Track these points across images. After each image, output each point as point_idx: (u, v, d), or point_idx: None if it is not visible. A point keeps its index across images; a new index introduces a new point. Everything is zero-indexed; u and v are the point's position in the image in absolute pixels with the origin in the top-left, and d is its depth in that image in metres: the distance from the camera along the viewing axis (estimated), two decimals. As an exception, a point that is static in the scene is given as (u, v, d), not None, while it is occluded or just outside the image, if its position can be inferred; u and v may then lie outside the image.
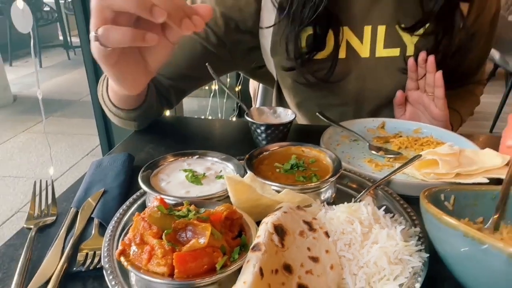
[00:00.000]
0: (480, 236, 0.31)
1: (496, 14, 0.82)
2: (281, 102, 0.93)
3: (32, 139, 3.09)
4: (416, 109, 0.78)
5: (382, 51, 0.77)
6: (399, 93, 0.79)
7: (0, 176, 2.54)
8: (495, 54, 2.95)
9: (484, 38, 0.84)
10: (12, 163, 2.72)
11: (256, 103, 1.25)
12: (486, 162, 0.55)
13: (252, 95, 1.33)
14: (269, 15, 0.74)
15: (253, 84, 1.27)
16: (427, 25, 0.73)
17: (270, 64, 0.83)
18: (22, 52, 5.18)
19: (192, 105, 3.06)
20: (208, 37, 0.75)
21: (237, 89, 2.80)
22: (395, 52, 0.77)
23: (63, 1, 5.37)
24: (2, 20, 4.79)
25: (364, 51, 0.77)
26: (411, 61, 0.73)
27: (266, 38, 0.77)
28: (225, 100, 2.76)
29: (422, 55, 0.71)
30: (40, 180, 0.53)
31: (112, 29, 0.41)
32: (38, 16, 5.03)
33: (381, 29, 0.75)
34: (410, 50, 0.76)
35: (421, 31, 0.74)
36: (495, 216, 0.42)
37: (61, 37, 5.90)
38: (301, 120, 0.90)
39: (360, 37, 0.76)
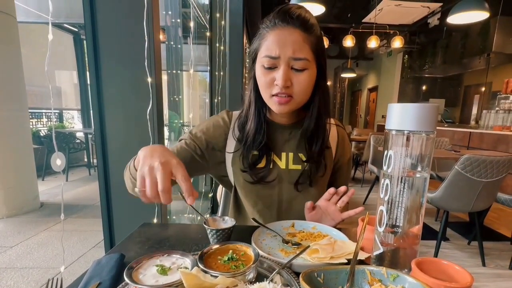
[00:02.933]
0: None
1: (350, 158, 1.02)
2: (236, 198, 0.98)
3: (50, 236, 2.80)
4: (322, 212, 0.86)
5: (292, 166, 0.92)
6: (309, 203, 0.86)
7: (17, 268, 2.21)
8: (374, 169, 3.28)
9: (345, 170, 1.02)
10: (29, 257, 2.40)
11: (220, 204, 1.30)
12: (348, 249, 0.61)
13: (218, 198, 1.40)
14: (231, 142, 0.91)
15: (219, 192, 1.35)
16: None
17: (230, 172, 0.94)
18: (53, 170, 5.02)
19: (178, 206, 3.00)
20: (195, 150, 0.88)
21: (210, 195, 2.86)
22: (299, 167, 0.92)
23: (90, 136, 5.45)
24: (42, 149, 4.73)
25: (282, 165, 0.92)
26: (331, 190, 0.84)
27: (229, 155, 0.92)
28: (201, 204, 2.75)
29: (339, 190, 0.83)
30: (53, 278, 0.52)
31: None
32: (71, 146, 4.99)
33: (291, 154, 0.92)
34: (306, 167, 0.91)
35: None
36: (347, 285, 0.46)
37: (86, 159, 5.80)
38: (250, 210, 0.94)
39: (280, 158, 0.92)
